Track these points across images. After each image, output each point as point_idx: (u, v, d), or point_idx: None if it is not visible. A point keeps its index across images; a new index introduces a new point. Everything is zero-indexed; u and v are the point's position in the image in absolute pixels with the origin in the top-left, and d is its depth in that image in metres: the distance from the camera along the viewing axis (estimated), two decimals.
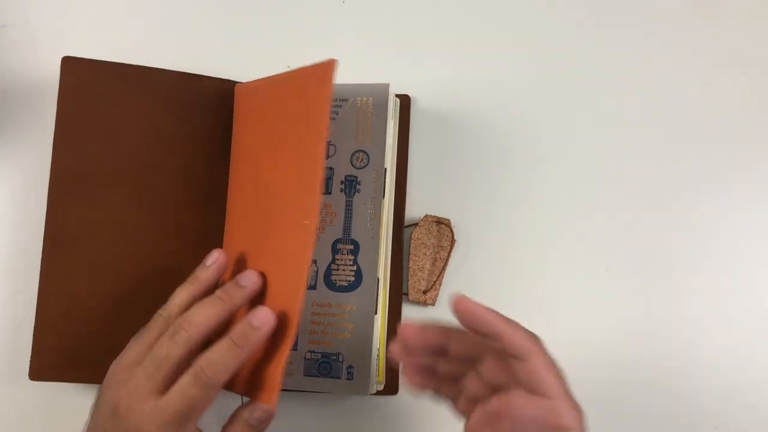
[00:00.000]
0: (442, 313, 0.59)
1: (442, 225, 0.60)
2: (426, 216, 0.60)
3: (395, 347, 0.45)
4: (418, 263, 0.59)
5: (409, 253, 0.59)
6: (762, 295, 0.60)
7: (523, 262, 0.61)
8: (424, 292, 0.59)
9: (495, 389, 0.44)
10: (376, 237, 0.55)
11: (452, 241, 0.59)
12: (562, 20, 0.64)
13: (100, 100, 0.54)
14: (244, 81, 0.59)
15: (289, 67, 0.62)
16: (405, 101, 0.61)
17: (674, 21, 0.64)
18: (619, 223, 0.61)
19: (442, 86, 0.63)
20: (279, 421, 0.58)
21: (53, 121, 0.54)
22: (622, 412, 0.59)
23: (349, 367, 0.52)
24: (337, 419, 0.58)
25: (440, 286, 0.59)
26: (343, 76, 0.62)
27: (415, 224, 0.60)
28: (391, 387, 0.58)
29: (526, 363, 0.41)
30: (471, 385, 0.45)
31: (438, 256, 0.60)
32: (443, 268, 0.59)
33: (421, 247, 0.59)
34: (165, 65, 0.57)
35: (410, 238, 0.60)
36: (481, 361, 0.44)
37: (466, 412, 0.45)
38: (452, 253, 0.60)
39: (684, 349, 0.60)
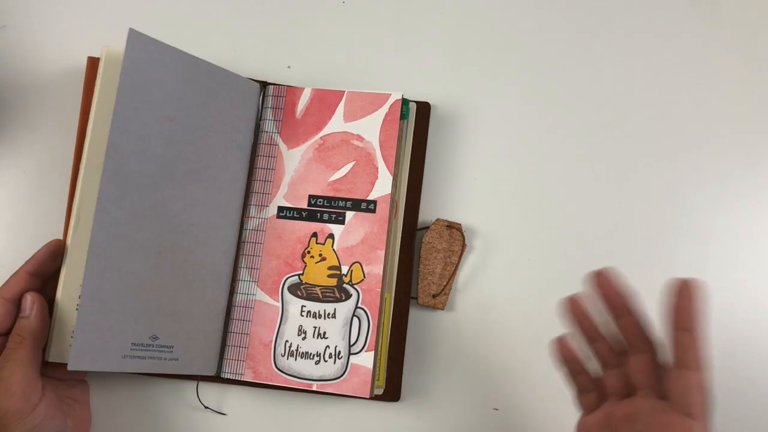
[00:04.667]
0: (452, 318, 0.59)
1: (453, 230, 0.59)
2: (437, 220, 0.59)
3: (574, 297, 0.47)
4: (429, 267, 0.59)
5: (420, 257, 0.59)
6: (762, 295, 0.60)
7: (541, 269, 0.60)
8: (434, 296, 0.59)
9: (629, 391, 0.44)
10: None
11: (463, 246, 0.59)
12: (569, 25, 0.64)
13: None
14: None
15: (289, 67, 0.63)
16: (424, 109, 0.61)
17: (675, 21, 0.64)
18: (635, 227, 0.61)
19: (444, 88, 0.63)
20: (274, 427, 0.58)
21: (53, 120, 0.55)
22: None
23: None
24: (331, 424, 0.58)
25: (450, 290, 0.59)
26: (345, 78, 0.63)
27: (427, 228, 0.59)
28: (392, 393, 0.57)
29: (688, 375, 0.41)
30: (609, 379, 0.46)
31: (449, 260, 0.59)
32: (453, 273, 0.59)
33: (432, 251, 0.59)
34: None
35: (421, 242, 0.59)
36: (629, 356, 0.45)
37: (587, 406, 0.47)
38: (464, 258, 0.59)
39: None
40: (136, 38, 0.52)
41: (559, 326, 0.58)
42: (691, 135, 0.62)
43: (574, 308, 0.46)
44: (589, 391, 0.47)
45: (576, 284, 0.59)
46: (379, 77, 0.63)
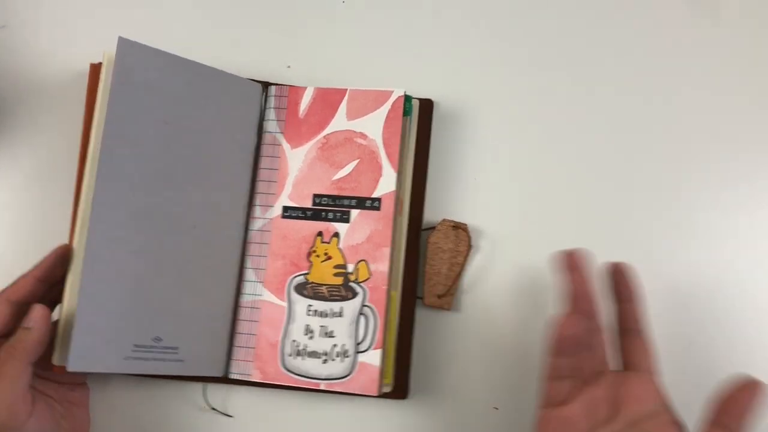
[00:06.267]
0: (458, 318, 0.59)
1: (459, 230, 0.59)
2: (443, 220, 0.59)
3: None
4: (435, 267, 0.59)
5: (426, 258, 0.59)
6: (762, 294, 0.59)
7: (546, 270, 0.59)
8: (440, 297, 0.58)
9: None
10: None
11: (469, 247, 0.59)
12: (571, 24, 0.64)
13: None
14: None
15: (289, 67, 0.63)
16: (427, 106, 0.61)
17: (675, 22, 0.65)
18: (639, 227, 0.61)
19: (447, 86, 0.63)
20: (282, 427, 0.58)
21: (56, 123, 0.55)
22: None
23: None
24: (339, 423, 0.58)
25: (456, 291, 0.58)
26: (347, 76, 0.63)
27: (432, 228, 0.59)
28: (399, 391, 0.57)
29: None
30: (589, 360, 0.47)
31: (454, 261, 0.59)
32: (459, 273, 0.58)
33: (438, 252, 0.59)
34: None
35: (427, 242, 0.59)
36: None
37: (556, 397, 0.46)
38: (469, 259, 0.59)
39: (684, 349, 0.59)
40: (126, 45, 0.53)
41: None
42: (692, 135, 0.62)
43: (575, 275, 0.47)
44: (564, 378, 0.46)
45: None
46: (381, 75, 0.63)
